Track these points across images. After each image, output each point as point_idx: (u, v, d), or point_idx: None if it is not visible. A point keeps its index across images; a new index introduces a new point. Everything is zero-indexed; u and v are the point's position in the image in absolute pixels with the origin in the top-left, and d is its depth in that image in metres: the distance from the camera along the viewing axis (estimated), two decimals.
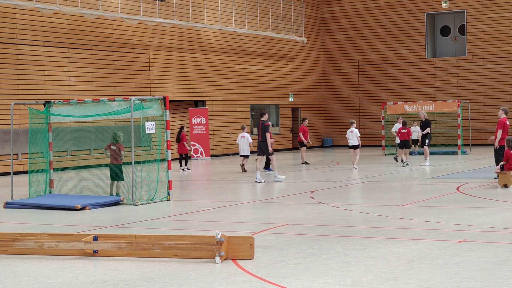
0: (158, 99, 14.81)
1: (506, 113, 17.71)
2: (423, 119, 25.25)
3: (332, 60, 39.73)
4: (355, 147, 22.65)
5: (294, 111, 37.89)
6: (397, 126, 27.29)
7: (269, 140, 19.01)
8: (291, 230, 10.65)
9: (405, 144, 23.74)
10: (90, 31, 26.51)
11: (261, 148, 19.14)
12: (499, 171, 15.93)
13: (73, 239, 8.91)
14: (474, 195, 14.56)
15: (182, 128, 24.45)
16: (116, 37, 27.56)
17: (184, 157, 23.98)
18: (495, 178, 16.93)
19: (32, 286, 7.32)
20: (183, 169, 23.74)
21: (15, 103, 15.75)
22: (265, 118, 19.22)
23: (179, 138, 24.02)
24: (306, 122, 26.19)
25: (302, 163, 25.29)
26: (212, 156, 31.32)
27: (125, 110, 14.60)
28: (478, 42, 36.25)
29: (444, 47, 38.08)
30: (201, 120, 30.43)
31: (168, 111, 14.78)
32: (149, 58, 28.89)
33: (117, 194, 15.18)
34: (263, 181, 18.68)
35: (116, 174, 15.34)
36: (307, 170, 22.88)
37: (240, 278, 7.43)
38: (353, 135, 22.65)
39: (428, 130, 24.54)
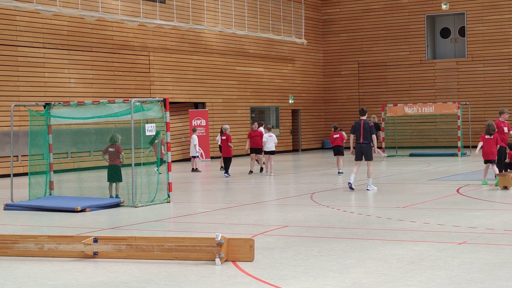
0: (158, 101, 14.82)
1: (500, 114, 17.76)
2: None
3: (332, 62, 39.74)
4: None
5: (294, 113, 37.89)
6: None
7: (375, 142, 16.97)
8: (291, 232, 10.65)
9: (339, 150, 21.42)
10: (91, 33, 26.52)
11: (362, 152, 16.42)
12: (497, 172, 15.93)
13: (73, 241, 8.91)
14: (474, 197, 14.56)
15: (223, 129, 22.62)
16: (116, 39, 27.57)
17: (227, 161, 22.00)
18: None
19: None
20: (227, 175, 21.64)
21: (15, 105, 15.75)
22: (366, 117, 16.72)
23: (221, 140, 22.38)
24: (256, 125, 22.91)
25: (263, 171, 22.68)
26: (212, 158, 31.31)
27: (125, 112, 14.61)
28: (478, 44, 36.26)
29: (444, 49, 38.09)
30: (201, 122, 30.43)
31: (168, 113, 14.80)
32: (149, 60, 28.90)
33: (117, 196, 15.17)
34: (375, 188, 16.32)
35: (115, 175, 15.31)
36: (307, 172, 22.86)
37: (240, 280, 7.43)
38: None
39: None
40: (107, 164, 15.49)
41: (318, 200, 14.60)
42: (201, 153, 30.44)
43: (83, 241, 8.71)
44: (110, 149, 15.36)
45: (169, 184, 14.93)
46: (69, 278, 7.73)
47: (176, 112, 30.70)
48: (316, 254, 8.71)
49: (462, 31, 37.28)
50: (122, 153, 15.33)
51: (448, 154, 29.80)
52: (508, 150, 17.41)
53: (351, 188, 16.16)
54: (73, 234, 9.94)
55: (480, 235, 9.89)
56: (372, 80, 38.60)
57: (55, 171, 16.38)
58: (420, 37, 37.48)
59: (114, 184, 15.36)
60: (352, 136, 16.90)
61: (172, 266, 8.16)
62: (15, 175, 18.53)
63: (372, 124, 16.56)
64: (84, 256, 8.73)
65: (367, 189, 16.17)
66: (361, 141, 16.39)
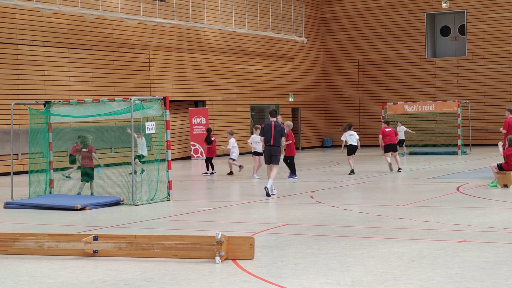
0: (158, 99, 14.82)
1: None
2: None
3: (332, 60, 39.73)
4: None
5: (294, 111, 37.90)
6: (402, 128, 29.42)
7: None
8: (291, 230, 10.65)
9: (392, 147, 21.19)
10: (90, 31, 26.51)
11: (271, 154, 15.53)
12: (496, 170, 15.90)
13: (73, 239, 8.91)
14: (474, 195, 14.56)
15: (210, 130, 22.51)
16: (116, 37, 27.56)
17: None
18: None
19: (32, 286, 7.32)
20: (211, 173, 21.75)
21: (15, 103, 15.75)
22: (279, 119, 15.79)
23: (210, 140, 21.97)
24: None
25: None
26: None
27: (125, 110, 14.61)
28: (478, 42, 36.25)
29: (444, 47, 38.08)
30: (201, 120, 30.43)
31: (168, 111, 14.79)
32: (149, 58, 28.89)
33: (92, 194, 15.39)
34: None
35: (90, 175, 15.60)
36: (307, 170, 22.87)
37: (240, 278, 7.43)
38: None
39: None
40: (95, 163, 15.73)
41: (318, 198, 14.60)
42: (200, 151, 30.43)
43: (83, 239, 8.71)
44: (84, 150, 15.53)
45: (169, 182, 14.93)
46: (69, 276, 7.72)
47: (176, 110, 30.70)
48: (316, 252, 8.71)
49: (462, 29, 37.27)
50: (94, 153, 15.54)
51: (448, 152, 29.79)
52: None
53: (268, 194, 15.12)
54: (73, 232, 9.95)
55: (480, 233, 9.89)
56: (372, 78, 38.59)
57: (55, 169, 16.39)
58: (420, 35, 37.46)
59: (87, 183, 15.65)
60: (262, 138, 15.77)
61: (172, 265, 8.16)
62: (15, 173, 18.54)
63: (283, 125, 15.84)
64: (84, 254, 8.72)
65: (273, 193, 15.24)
66: (271, 143, 15.41)
